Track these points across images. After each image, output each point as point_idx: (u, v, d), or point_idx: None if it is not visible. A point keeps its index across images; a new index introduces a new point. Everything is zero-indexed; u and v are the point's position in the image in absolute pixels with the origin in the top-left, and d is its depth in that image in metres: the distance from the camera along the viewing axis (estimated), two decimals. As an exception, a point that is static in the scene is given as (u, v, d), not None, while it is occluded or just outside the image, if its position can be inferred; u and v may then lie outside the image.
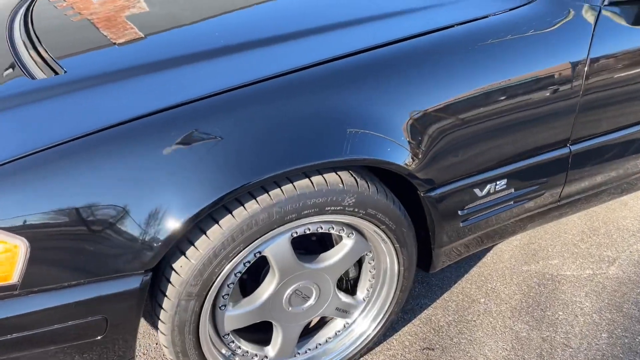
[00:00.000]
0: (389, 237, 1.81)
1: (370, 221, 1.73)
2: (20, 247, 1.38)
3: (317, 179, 1.61)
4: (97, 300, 1.48)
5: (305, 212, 1.59)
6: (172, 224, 1.45)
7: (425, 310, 2.35)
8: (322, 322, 2.09)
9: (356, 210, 1.68)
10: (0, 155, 1.40)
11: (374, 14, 1.92)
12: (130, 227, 1.43)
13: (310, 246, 1.92)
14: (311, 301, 1.85)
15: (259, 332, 1.94)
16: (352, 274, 1.99)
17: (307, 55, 1.69)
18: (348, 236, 1.80)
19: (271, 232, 1.59)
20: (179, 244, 1.58)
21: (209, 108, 1.53)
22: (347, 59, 1.68)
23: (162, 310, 1.60)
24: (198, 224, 1.56)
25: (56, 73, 1.70)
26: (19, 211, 1.37)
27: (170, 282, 1.57)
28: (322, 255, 1.83)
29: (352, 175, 1.67)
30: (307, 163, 1.53)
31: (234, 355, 1.83)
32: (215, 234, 1.53)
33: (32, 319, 1.44)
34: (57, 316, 1.46)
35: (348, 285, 2.04)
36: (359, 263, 1.99)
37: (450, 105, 1.74)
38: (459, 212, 1.92)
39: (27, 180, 1.38)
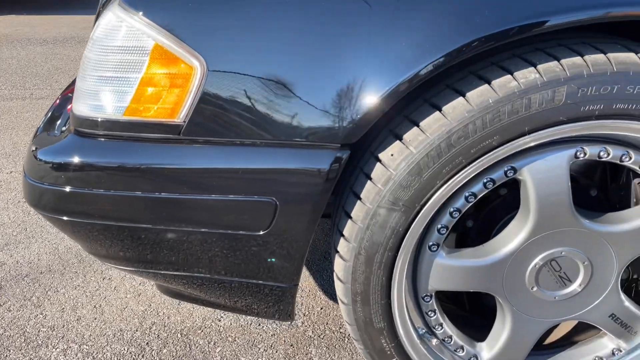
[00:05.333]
0: None
1: None
2: (196, 71, 1.01)
3: (650, 57, 0.93)
4: (270, 173, 1.03)
5: (621, 106, 0.92)
6: (384, 74, 0.93)
7: None
8: (565, 338, 1.34)
9: None
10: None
11: None
12: (326, 73, 0.96)
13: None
14: (572, 287, 1.14)
15: (474, 329, 1.29)
16: (648, 270, 1.21)
17: None
18: (672, 188, 1.06)
19: (549, 132, 0.95)
20: (395, 124, 1.06)
21: None
22: None
23: (349, 222, 1.09)
24: (427, 98, 1.02)
25: None
26: (206, 25, 1.01)
27: (370, 179, 1.05)
28: (613, 214, 1.11)
29: None
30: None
31: (430, 336, 1.21)
32: (457, 110, 0.97)
33: (187, 177, 1.07)
34: (217, 182, 1.06)
35: (633, 288, 1.26)
36: (664, 255, 1.20)
37: None
38: None
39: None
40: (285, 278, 1.16)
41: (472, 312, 1.38)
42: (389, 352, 1.17)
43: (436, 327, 1.20)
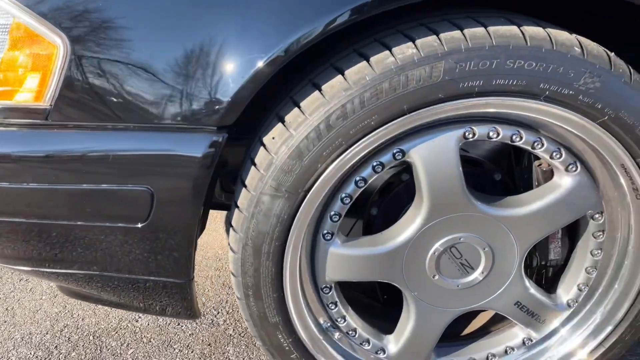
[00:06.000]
0: (649, 188, 0.98)
1: (617, 137, 0.92)
2: (59, 50, 0.94)
3: (532, 30, 0.89)
4: (144, 159, 0.96)
5: (501, 82, 0.88)
6: (249, 54, 0.87)
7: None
8: (482, 329, 1.30)
9: (597, 106, 0.90)
10: None
11: None
12: (194, 52, 0.89)
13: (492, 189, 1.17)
14: (475, 275, 1.10)
15: (383, 320, 1.25)
16: (553, 255, 1.17)
17: None
18: (567, 169, 1.01)
19: (429, 110, 0.91)
20: (281, 106, 1.00)
21: None
22: None
23: (236, 212, 1.03)
24: (311, 77, 0.96)
25: None
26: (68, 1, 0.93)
27: (254, 165, 0.99)
28: (510, 198, 1.07)
29: (600, 46, 0.91)
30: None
31: (334, 329, 1.16)
32: (335, 89, 0.91)
33: (56, 165, 0.99)
34: (89, 170, 0.98)
35: (543, 275, 1.22)
36: (570, 240, 1.17)
37: None
38: None
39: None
40: (178, 273, 1.09)
41: (387, 304, 1.33)
42: (287, 348, 1.11)
43: (338, 320, 1.14)
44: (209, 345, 1.53)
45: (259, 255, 1.01)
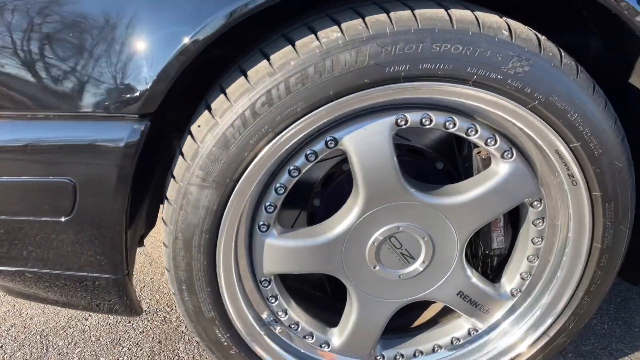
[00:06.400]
0: (584, 174, 0.96)
1: (549, 123, 0.91)
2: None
3: (459, 14, 0.87)
4: (63, 150, 0.92)
5: (428, 66, 0.85)
6: (166, 39, 0.84)
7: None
8: (432, 320, 1.28)
9: (526, 90, 0.88)
10: None
11: None
12: (111, 38, 0.85)
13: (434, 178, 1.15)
14: (416, 265, 1.08)
15: (330, 312, 1.22)
16: (496, 244, 1.16)
17: None
18: (503, 156, 1.00)
19: (357, 96, 0.88)
20: (210, 93, 0.97)
21: None
22: None
23: (166, 204, 0.99)
24: (240, 64, 0.93)
25: None
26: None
27: (182, 155, 0.95)
28: (448, 186, 1.05)
29: (531, 30, 0.89)
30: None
31: (275, 323, 1.13)
32: (260, 74, 0.88)
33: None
34: (7, 161, 0.94)
35: (488, 264, 1.21)
36: (514, 229, 1.16)
37: None
38: None
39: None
40: (112, 268, 1.05)
41: (334, 297, 1.31)
42: (225, 344, 1.08)
43: (279, 313, 1.11)
44: (159, 342, 1.50)
45: (189, 249, 0.98)
